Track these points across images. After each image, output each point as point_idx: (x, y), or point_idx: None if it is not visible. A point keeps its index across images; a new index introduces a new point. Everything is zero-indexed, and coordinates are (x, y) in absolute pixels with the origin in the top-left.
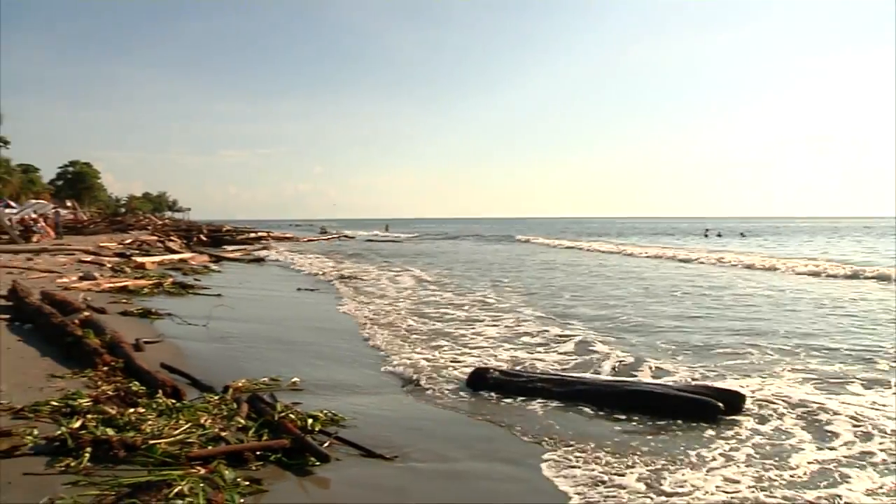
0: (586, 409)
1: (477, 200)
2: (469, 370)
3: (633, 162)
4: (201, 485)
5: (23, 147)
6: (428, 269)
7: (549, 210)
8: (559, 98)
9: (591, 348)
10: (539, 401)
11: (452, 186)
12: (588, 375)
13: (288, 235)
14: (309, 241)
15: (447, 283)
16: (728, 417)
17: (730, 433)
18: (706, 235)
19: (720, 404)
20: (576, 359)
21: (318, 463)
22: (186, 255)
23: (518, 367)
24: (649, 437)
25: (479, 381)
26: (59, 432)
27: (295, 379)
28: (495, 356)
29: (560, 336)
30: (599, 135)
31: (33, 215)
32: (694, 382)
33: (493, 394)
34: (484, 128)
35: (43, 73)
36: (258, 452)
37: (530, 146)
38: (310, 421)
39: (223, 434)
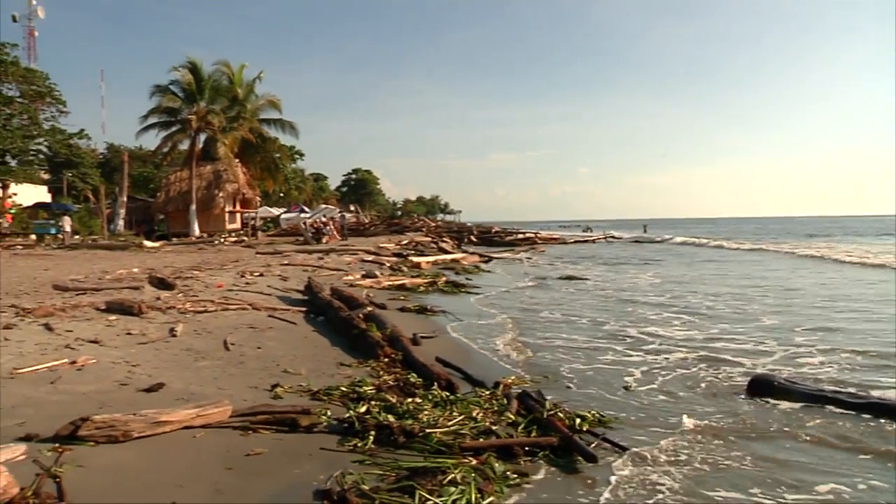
0: None
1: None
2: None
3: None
4: (473, 474)
5: (314, 158)
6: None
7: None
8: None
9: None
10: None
11: (726, 184)
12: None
13: (555, 236)
14: (576, 241)
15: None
16: None
17: None
18: None
19: None
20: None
21: (585, 462)
22: (458, 255)
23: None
24: None
25: (762, 387)
26: (347, 415)
27: (568, 380)
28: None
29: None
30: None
31: (323, 219)
32: None
33: (772, 400)
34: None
35: (330, 91)
36: (527, 448)
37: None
38: (577, 420)
39: (493, 428)
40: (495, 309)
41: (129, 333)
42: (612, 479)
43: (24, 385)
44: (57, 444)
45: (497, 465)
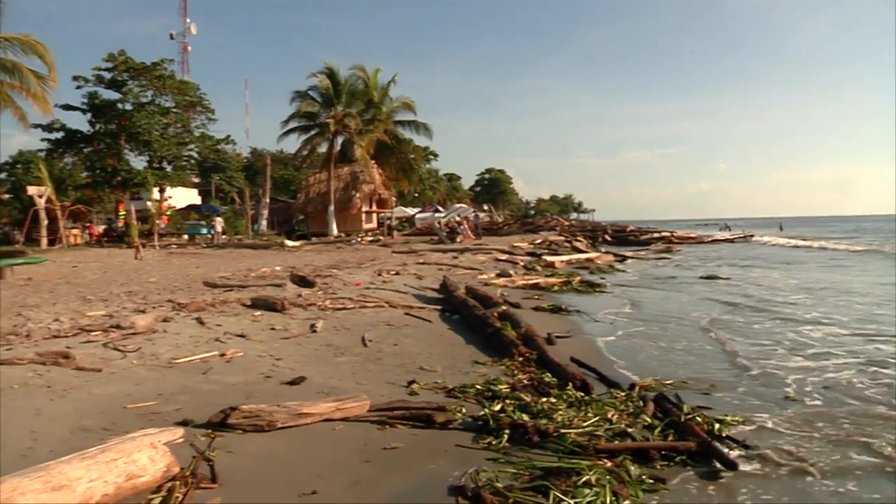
0: None
1: None
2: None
3: None
4: (608, 477)
5: (447, 158)
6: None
7: None
8: None
9: None
10: None
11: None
12: None
13: (691, 235)
14: (713, 241)
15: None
16: None
17: None
18: None
19: None
20: None
21: (724, 470)
22: (592, 254)
23: None
24: None
25: None
26: (482, 413)
27: (705, 384)
28: None
29: None
30: None
31: (457, 218)
32: None
33: None
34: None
35: (462, 91)
36: (663, 452)
37: None
38: (717, 426)
39: (629, 430)
40: (631, 309)
41: (272, 329)
42: (757, 490)
43: (181, 374)
44: (209, 430)
45: (633, 468)
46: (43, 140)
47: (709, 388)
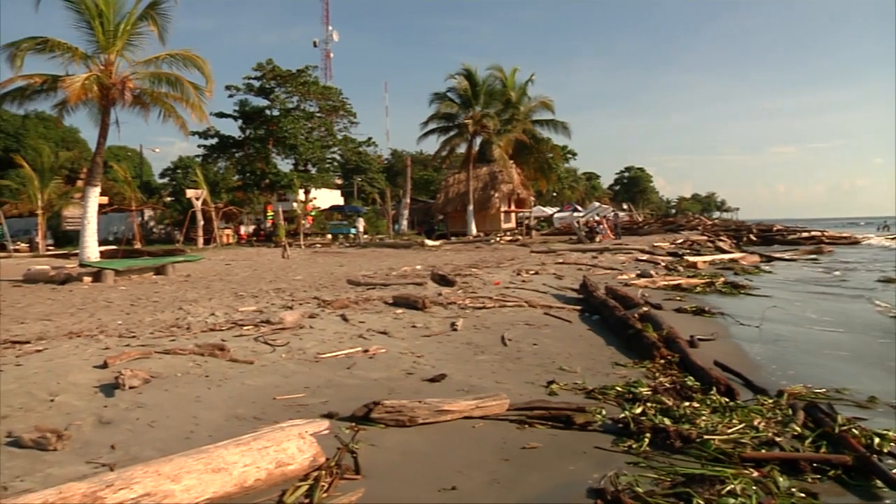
0: None
1: None
2: None
3: None
4: (753, 487)
5: (586, 157)
6: None
7: None
8: None
9: None
10: None
11: None
12: None
13: (844, 235)
14: (866, 241)
15: None
16: None
17: None
18: None
19: None
20: None
21: (885, 488)
22: (737, 254)
23: None
24: None
25: None
26: (622, 415)
27: (863, 395)
28: None
29: None
30: None
31: (596, 218)
32: None
33: None
34: None
35: (601, 89)
36: (814, 464)
37: None
38: (876, 440)
39: (777, 439)
40: (780, 312)
41: (413, 326)
42: None
43: (326, 368)
44: (353, 423)
45: (781, 479)
46: (199, 146)
47: (868, 400)
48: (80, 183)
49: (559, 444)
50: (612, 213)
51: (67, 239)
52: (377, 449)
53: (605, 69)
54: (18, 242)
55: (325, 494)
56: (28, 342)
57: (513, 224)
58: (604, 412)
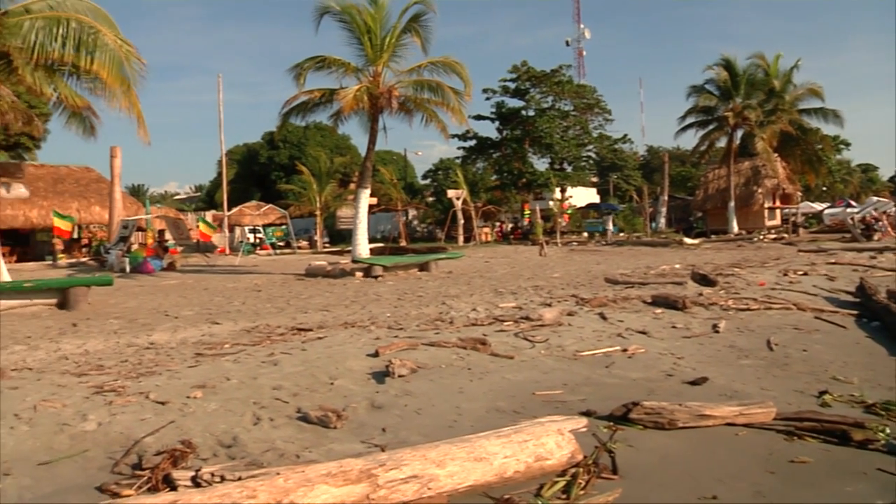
0: None
1: None
2: None
3: None
4: None
5: (862, 147)
6: None
7: None
8: None
9: None
10: None
11: None
12: None
13: None
14: None
15: None
16: None
17: None
18: None
19: None
20: None
21: None
22: None
23: None
24: None
25: None
26: None
27: None
28: None
29: None
30: None
31: (874, 214)
32: None
33: None
34: None
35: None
36: None
37: None
38: None
39: None
40: None
41: (673, 327)
42: None
43: (585, 366)
44: (611, 423)
45: None
46: (459, 148)
47: None
48: (352, 185)
49: (833, 462)
50: (894, 209)
51: (341, 237)
52: (635, 450)
53: (886, 46)
54: (300, 240)
55: (582, 492)
56: (311, 330)
57: (777, 221)
58: (888, 430)
